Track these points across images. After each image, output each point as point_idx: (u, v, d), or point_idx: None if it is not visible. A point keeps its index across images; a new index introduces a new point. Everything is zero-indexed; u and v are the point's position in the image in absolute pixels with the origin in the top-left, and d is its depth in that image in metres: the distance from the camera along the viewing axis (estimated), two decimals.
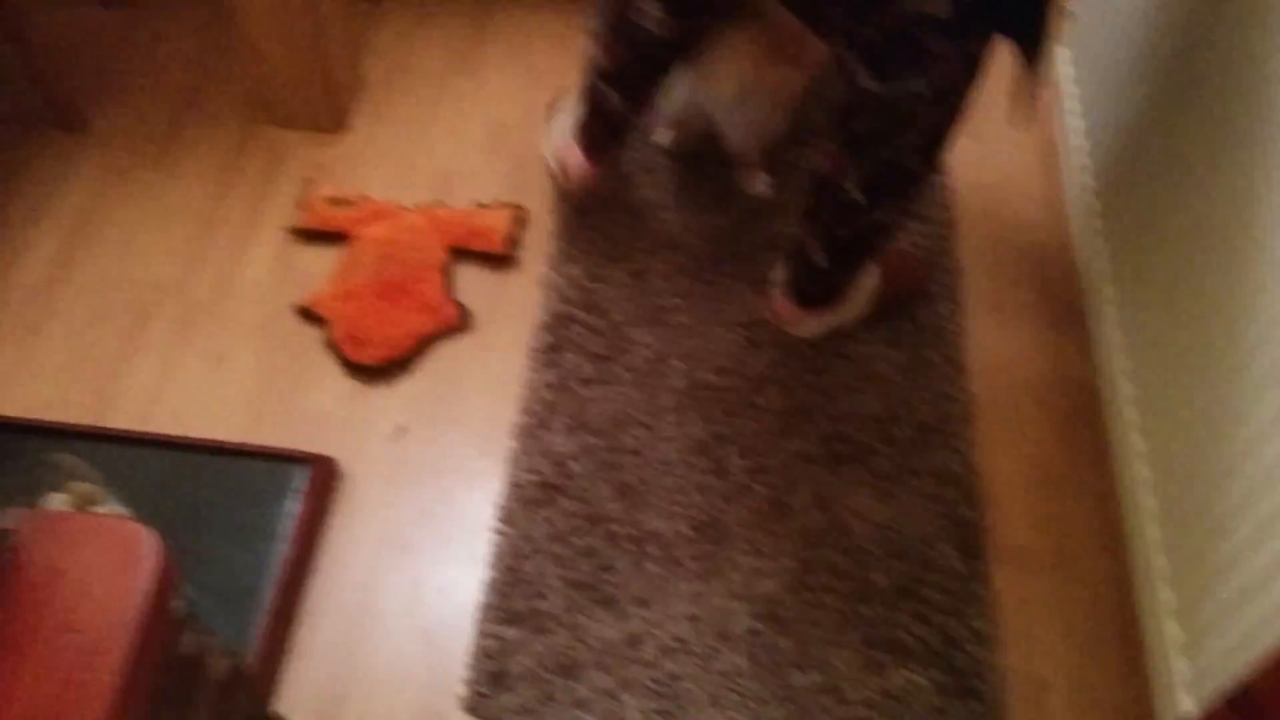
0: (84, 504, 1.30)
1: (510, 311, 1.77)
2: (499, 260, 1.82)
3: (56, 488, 1.32)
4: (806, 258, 1.60)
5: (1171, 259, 1.48)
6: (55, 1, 2.18)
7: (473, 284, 1.80)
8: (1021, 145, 2.03)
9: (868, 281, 1.69)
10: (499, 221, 1.83)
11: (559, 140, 1.81)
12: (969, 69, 1.29)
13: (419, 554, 1.54)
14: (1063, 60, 2.00)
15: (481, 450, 1.63)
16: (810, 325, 1.71)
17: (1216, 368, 1.31)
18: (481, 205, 1.87)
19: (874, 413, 1.67)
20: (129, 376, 1.69)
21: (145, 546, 0.83)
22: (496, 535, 1.55)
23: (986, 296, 1.83)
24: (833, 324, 1.71)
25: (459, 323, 1.74)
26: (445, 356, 1.73)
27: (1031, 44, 1.24)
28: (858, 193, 1.45)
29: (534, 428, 1.64)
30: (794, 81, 1.74)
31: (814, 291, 1.65)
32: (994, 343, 1.77)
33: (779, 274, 1.70)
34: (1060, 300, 1.82)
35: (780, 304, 1.70)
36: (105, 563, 0.82)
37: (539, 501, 1.57)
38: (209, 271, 1.81)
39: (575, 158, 1.77)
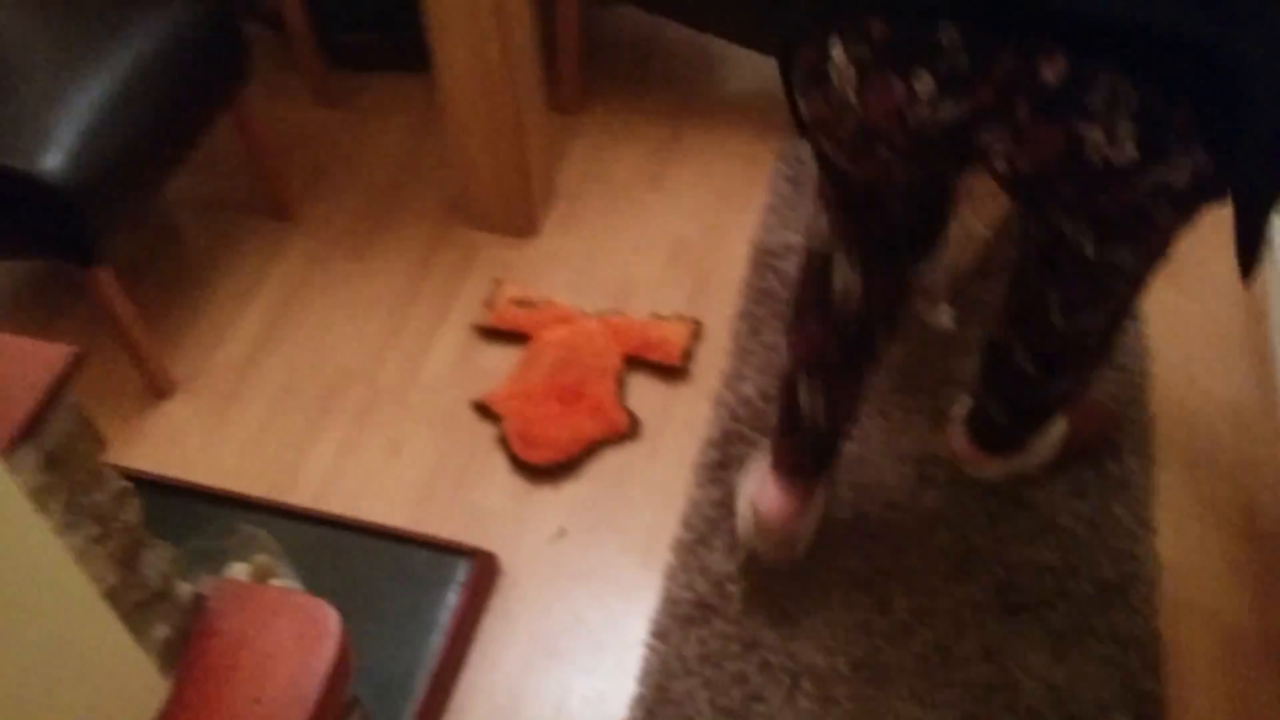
0: (262, 575, 1.34)
1: (679, 424, 1.77)
2: (672, 372, 1.83)
3: (240, 557, 1.37)
4: (986, 411, 1.56)
5: None
6: (278, 99, 2.34)
7: (644, 393, 1.81)
8: (1224, 294, 1.95)
9: (1054, 431, 1.63)
10: (677, 334, 1.85)
11: (750, 484, 1.55)
12: (1169, 244, 1.21)
13: (569, 660, 1.52)
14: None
15: (639, 561, 1.62)
16: (991, 468, 1.65)
17: None
18: (660, 317, 1.89)
19: (1051, 564, 1.59)
20: (311, 455, 1.75)
21: (330, 627, 0.84)
22: (648, 650, 1.53)
23: (1180, 453, 1.73)
24: (1015, 471, 1.65)
25: (628, 431, 1.75)
26: (612, 463, 1.73)
27: (1257, 209, 1.17)
28: (1030, 365, 1.39)
29: (694, 544, 1.62)
30: (988, 219, 1.73)
31: (995, 440, 1.60)
32: (1186, 502, 1.68)
33: (960, 412, 1.65)
34: (1260, 460, 1.72)
35: (961, 444, 1.65)
36: (292, 639, 0.84)
37: (693, 620, 1.55)
38: (395, 361, 1.88)
39: (770, 497, 1.49)
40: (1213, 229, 2.07)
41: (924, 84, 0.94)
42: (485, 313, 1.92)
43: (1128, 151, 0.94)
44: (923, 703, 1.46)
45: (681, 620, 1.55)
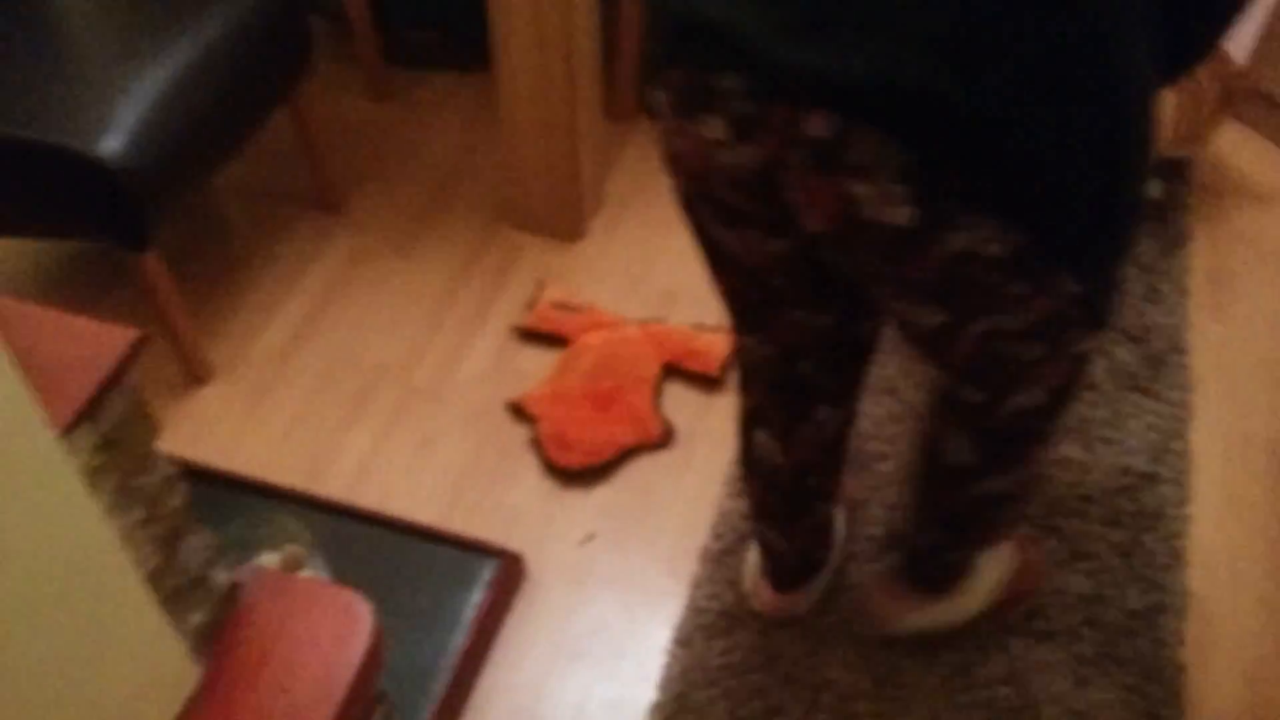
0: (293, 566, 1.36)
1: (714, 435, 1.78)
2: (710, 383, 1.84)
3: (272, 546, 1.38)
4: (916, 540, 1.41)
5: None
6: (333, 91, 2.37)
7: (680, 402, 1.82)
8: (1269, 328, 1.93)
9: (990, 574, 1.49)
10: (717, 345, 1.85)
11: (749, 571, 1.57)
12: (1066, 321, 1.02)
13: (591, 665, 1.53)
14: None
15: (666, 569, 1.63)
16: (914, 617, 1.49)
17: None
18: (701, 327, 1.89)
19: (1081, 592, 1.58)
20: (344, 448, 1.77)
21: (363, 620, 0.85)
22: (669, 658, 1.53)
23: (1217, 487, 1.72)
24: (940, 620, 1.50)
25: (662, 439, 1.76)
26: (644, 469, 1.74)
27: (1088, 279, 0.99)
28: (967, 455, 1.22)
29: (722, 554, 1.63)
30: None
31: (928, 570, 1.43)
32: (1219, 537, 1.66)
33: (876, 572, 1.53)
34: None
35: (881, 591, 1.49)
36: (325, 630, 0.85)
37: (717, 630, 1.55)
38: (432, 358, 1.90)
39: (765, 596, 1.53)
40: (1259, 262, 2.06)
41: (716, 129, 0.93)
42: (526, 315, 1.93)
43: (903, 214, 0.88)
44: None
45: (705, 630, 1.55)
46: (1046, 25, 0.81)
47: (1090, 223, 0.92)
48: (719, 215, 1.05)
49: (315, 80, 2.03)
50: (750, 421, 1.33)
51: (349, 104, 2.37)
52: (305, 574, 1.36)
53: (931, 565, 1.42)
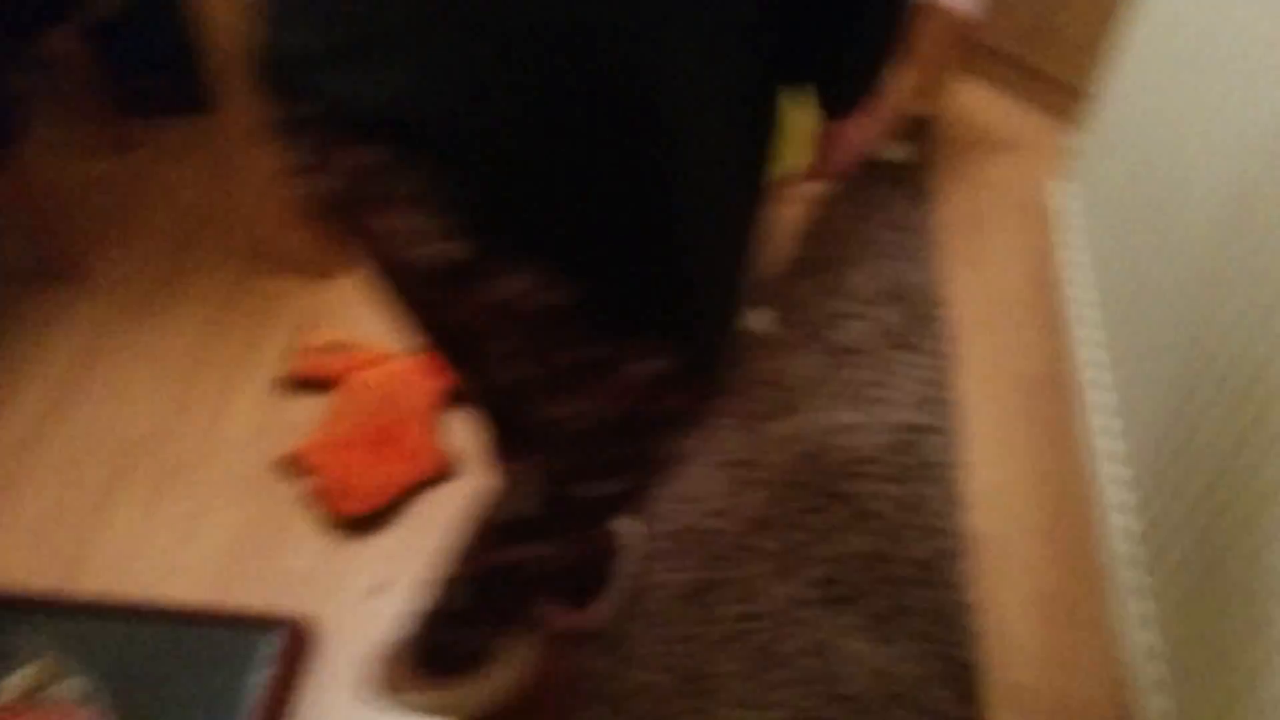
0: (43, 683, 1.25)
1: None
2: None
3: (18, 664, 1.27)
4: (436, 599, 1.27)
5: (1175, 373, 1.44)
6: (59, 150, 2.22)
7: (467, 429, 1.77)
8: (1018, 270, 2.02)
9: (508, 666, 1.35)
10: None
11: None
12: (648, 390, 0.93)
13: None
14: (1069, 195, 1.99)
15: None
16: (429, 696, 1.32)
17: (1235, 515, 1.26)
18: None
19: (870, 552, 1.61)
20: (103, 536, 1.65)
21: None
22: None
23: (988, 429, 1.79)
24: (457, 702, 1.33)
25: (445, 470, 1.71)
26: (431, 505, 1.69)
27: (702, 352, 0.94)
28: (527, 509, 1.12)
29: None
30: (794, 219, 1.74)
31: (433, 648, 1.29)
32: (995, 476, 1.73)
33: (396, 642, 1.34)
34: (1060, 430, 1.78)
35: (396, 666, 1.31)
36: None
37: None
38: (193, 425, 1.79)
39: (560, 612, 1.43)
40: (1007, 208, 2.15)
41: (306, 155, 0.89)
42: (289, 362, 1.84)
43: (452, 250, 0.83)
44: (751, 705, 1.46)
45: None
46: (577, 66, 0.76)
47: (655, 288, 0.85)
48: (357, 245, 0.98)
49: (35, 142, 1.88)
50: (492, 454, 1.28)
51: (78, 162, 2.22)
52: (59, 688, 1.25)
53: (444, 640, 1.29)
